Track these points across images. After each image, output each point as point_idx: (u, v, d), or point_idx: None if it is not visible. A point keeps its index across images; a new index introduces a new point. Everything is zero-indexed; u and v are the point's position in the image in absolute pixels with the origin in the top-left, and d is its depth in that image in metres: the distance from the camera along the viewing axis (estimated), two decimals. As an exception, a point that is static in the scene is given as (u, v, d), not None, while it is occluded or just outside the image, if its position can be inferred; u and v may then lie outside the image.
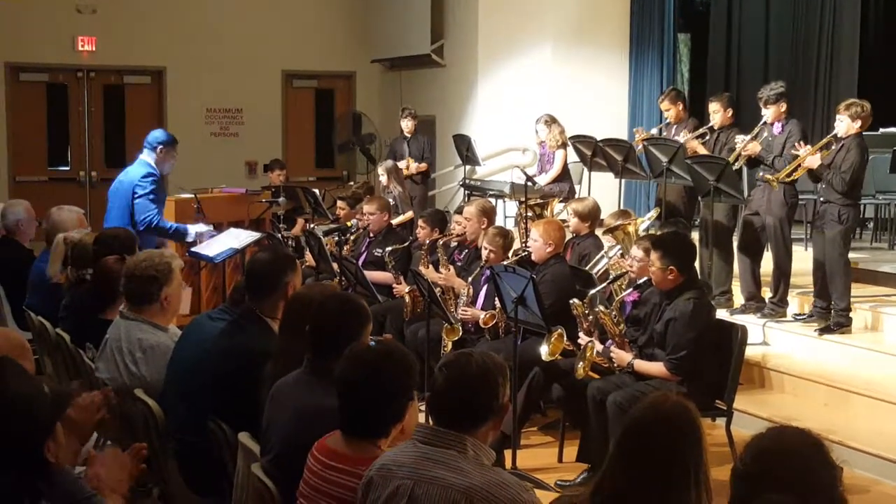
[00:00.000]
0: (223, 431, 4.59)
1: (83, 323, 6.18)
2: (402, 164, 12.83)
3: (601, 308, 6.83)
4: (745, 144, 8.96)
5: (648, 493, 2.99)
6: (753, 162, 9.09)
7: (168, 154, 9.02)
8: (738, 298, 9.57)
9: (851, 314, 8.55)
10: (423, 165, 13.47)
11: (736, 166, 8.99)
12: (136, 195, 8.74)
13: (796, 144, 8.57)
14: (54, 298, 6.93)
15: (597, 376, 6.76)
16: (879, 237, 12.10)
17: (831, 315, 8.59)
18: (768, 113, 8.94)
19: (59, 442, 3.23)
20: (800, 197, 9.29)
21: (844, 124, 8.33)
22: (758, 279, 9.23)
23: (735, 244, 9.56)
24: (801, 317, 8.88)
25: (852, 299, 8.60)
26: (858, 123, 8.35)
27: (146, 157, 8.94)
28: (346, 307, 4.36)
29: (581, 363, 6.71)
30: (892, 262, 10.16)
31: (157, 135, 9.14)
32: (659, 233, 7.84)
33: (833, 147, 8.40)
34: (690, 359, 6.39)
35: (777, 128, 8.95)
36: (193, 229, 9.19)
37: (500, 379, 3.47)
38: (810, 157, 8.37)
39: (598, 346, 6.81)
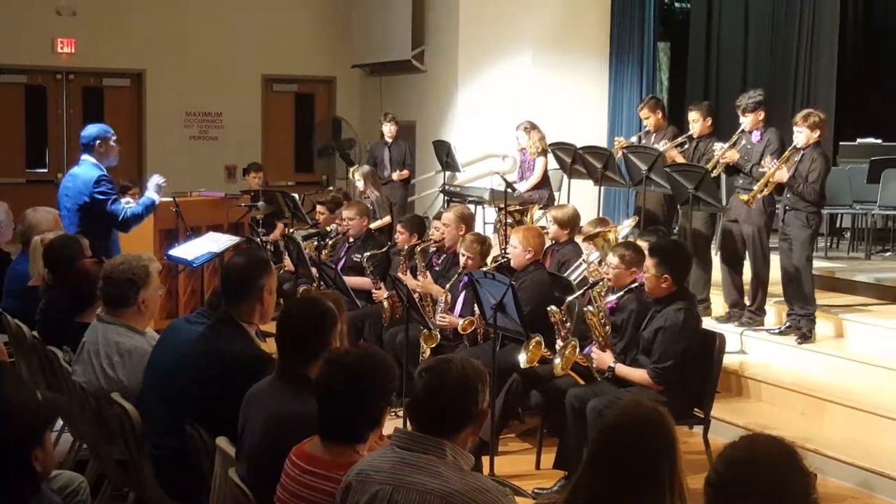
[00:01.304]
0: (200, 436, 4.57)
1: (60, 326, 6.15)
2: (385, 174, 12.86)
3: (589, 308, 6.82)
4: (724, 152, 9.00)
5: (622, 499, 2.99)
6: (732, 170, 9.12)
7: (107, 147, 8.53)
8: (717, 307, 9.61)
9: (827, 323, 8.61)
10: (406, 173, 13.50)
11: (714, 174, 9.02)
12: (102, 202, 8.33)
13: (762, 162, 8.61)
14: (31, 301, 6.89)
15: (575, 375, 6.76)
16: (856, 247, 12.15)
17: (802, 321, 8.64)
18: (746, 121, 8.98)
19: (48, 451, 3.19)
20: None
21: (804, 135, 8.42)
22: (740, 287, 9.25)
23: (714, 252, 9.58)
24: (775, 331, 8.89)
25: (829, 308, 8.66)
26: (817, 133, 8.45)
27: (88, 158, 8.47)
28: (313, 310, 4.38)
29: (559, 360, 6.71)
30: (868, 272, 10.20)
31: (90, 131, 8.57)
32: (640, 241, 7.84)
33: (794, 158, 8.46)
34: (676, 369, 6.39)
35: (755, 136, 8.99)
36: (151, 187, 8.72)
37: (479, 385, 3.47)
38: (779, 172, 8.42)
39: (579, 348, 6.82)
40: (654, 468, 3.02)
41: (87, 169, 8.44)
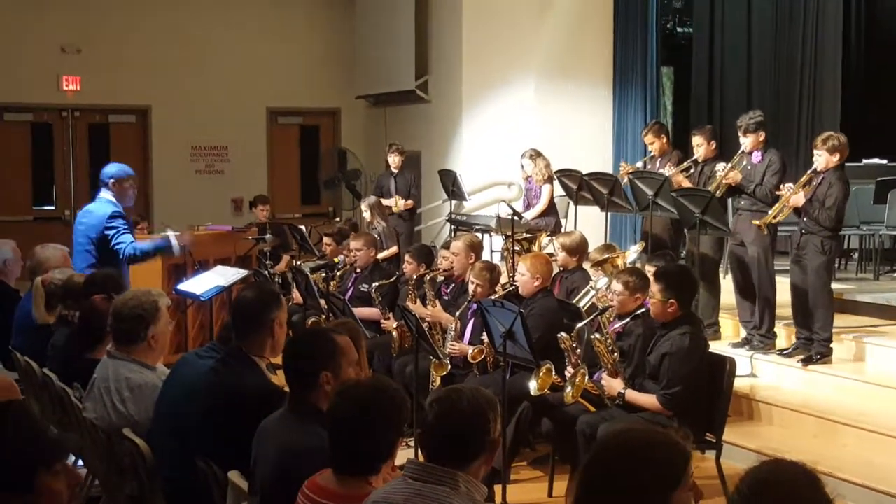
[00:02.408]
0: (212, 470, 4.57)
1: (70, 363, 6.15)
2: (389, 202, 12.86)
3: (596, 336, 6.83)
4: (726, 173, 9.00)
5: None
6: (732, 190, 9.12)
7: (123, 186, 8.67)
8: (727, 330, 9.61)
9: (832, 344, 8.56)
10: (410, 202, 13.50)
11: (717, 195, 9.01)
12: (110, 238, 8.42)
13: (781, 186, 8.58)
14: (40, 339, 6.90)
15: (586, 403, 6.76)
16: (864, 267, 12.14)
17: (813, 345, 8.61)
18: (747, 141, 8.99)
19: (57, 490, 3.07)
20: (782, 228, 9.34)
21: (823, 158, 8.36)
22: (754, 311, 9.22)
23: (722, 276, 9.56)
24: (785, 351, 8.86)
25: (838, 330, 8.63)
26: (837, 157, 8.38)
27: (105, 195, 8.63)
28: (312, 341, 4.41)
29: (570, 388, 6.71)
30: (876, 293, 10.18)
31: (109, 170, 8.75)
32: (648, 266, 7.85)
33: (814, 182, 8.42)
34: (684, 394, 6.39)
35: (756, 156, 9.00)
36: (177, 241, 8.87)
37: (490, 414, 3.46)
38: (794, 197, 8.39)
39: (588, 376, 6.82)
40: (652, 495, 2.99)
41: (101, 205, 8.58)
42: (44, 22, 15.76)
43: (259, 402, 4.53)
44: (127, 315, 5.45)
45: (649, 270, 7.34)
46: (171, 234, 8.95)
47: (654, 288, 6.61)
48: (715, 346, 8.54)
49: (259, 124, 17.43)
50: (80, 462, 5.90)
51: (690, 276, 7.13)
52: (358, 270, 9.90)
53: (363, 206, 11.93)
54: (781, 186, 8.57)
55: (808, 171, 8.45)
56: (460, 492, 3.33)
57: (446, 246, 9.56)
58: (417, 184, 13.84)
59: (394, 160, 13.54)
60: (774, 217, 8.48)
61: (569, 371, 6.90)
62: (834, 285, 8.70)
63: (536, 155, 11.79)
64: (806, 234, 8.49)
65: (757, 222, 8.51)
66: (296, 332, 7.68)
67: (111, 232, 8.39)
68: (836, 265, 11.78)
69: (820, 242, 8.38)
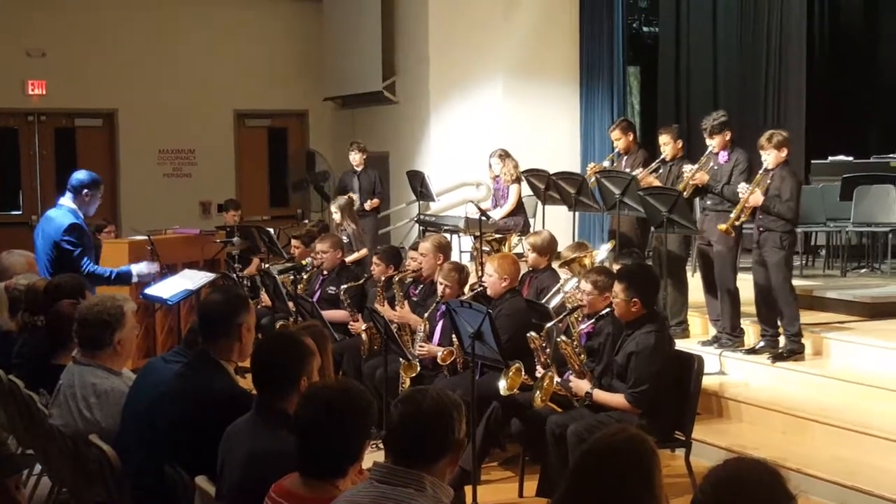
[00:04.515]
0: (180, 475, 4.54)
1: (36, 369, 6.11)
2: (354, 199, 12.83)
3: (563, 338, 6.84)
4: (693, 174, 9.03)
5: None
6: (699, 190, 9.16)
7: (93, 197, 8.43)
8: (695, 328, 9.65)
9: (804, 340, 8.61)
10: (377, 202, 13.47)
11: (685, 195, 9.04)
12: (69, 252, 8.17)
13: (738, 189, 8.61)
14: (5, 345, 6.84)
15: (554, 406, 6.76)
16: (832, 264, 12.20)
17: (780, 341, 8.65)
18: (713, 143, 9.03)
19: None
20: (748, 226, 9.37)
21: (773, 156, 8.42)
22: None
23: (690, 274, 9.59)
24: (751, 350, 8.89)
25: (805, 326, 8.67)
26: (784, 151, 8.46)
27: (67, 202, 8.33)
28: (284, 345, 4.39)
29: (538, 392, 6.71)
30: (843, 289, 10.23)
31: (80, 177, 8.44)
32: (616, 265, 7.87)
33: (767, 180, 8.47)
34: (652, 392, 6.41)
35: (723, 156, 9.03)
36: (136, 270, 8.66)
37: (455, 414, 3.46)
38: (752, 197, 8.43)
39: (557, 377, 6.82)
40: (634, 493, 3.02)
41: (62, 214, 8.32)
42: (8, 26, 15.68)
43: (226, 406, 4.51)
44: (92, 321, 5.42)
45: (616, 269, 7.36)
46: (141, 266, 8.74)
47: (617, 287, 6.63)
48: (684, 344, 8.59)
49: (227, 127, 17.40)
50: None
51: (652, 275, 7.15)
52: (325, 272, 9.88)
53: (333, 208, 11.89)
54: (738, 187, 8.60)
55: (761, 171, 8.50)
56: (426, 493, 3.33)
57: (415, 247, 9.56)
58: (381, 182, 13.80)
59: (355, 158, 13.52)
60: (737, 219, 8.52)
61: (539, 371, 6.90)
62: (801, 282, 8.76)
63: (505, 155, 11.82)
64: (764, 232, 8.54)
65: (722, 227, 8.53)
66: (265, 336, 7.67)
67: (70, 248, 8.18)
68: (804, 262, 11.91)
69: (778, 238, 8.44)
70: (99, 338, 5.40)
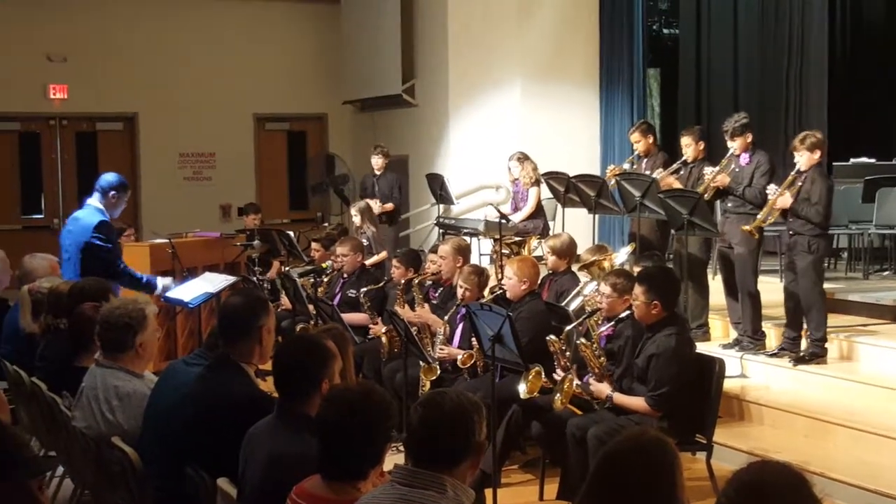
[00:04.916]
0: (202, 477, 4.55)
1: (59, 371, 6.13)
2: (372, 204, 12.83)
3: (582, 341, 6.83)
4: (714, 176, 8.98)
5: None
6: (721, 193, 9.11)
7: (120, 199, 8.63)
8: (716, 331, 9.61)
9: (827, 344, 8.56)
10: (389, 206, 13.41)
11: (705, 198, 9.00)
12: (101, 248, 8.36)
13: (766, 190, 8.57)
14: (29, 347, 6.88)
15: (574, 408, 6.75)
16: (854, 267, 12.14)
17: (802, 345, 8.61)
18: (735, 145, 8.97)
19: None
20: (769, 229, 9.33)
21: (805, 157, 8.35)
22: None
23: (711, 277, 9.54)
24: (772, 354, 8.85)
25: (828, 329, 8.61)
26: (817, 154, 8.38)
27: (96, 202, 8.51)
28: (305, 348, 4.40)
29: (558, 395, 6.71)
30: (866, 292, 10.18)
31: (109, 178, 8.64)
32: (636, 268, 7.85)
33: (798, 182, 8.41)
34: (672, 395, 6.39)
35: (744, 158, 8.98)
36: (162, 283, 8.86)
37: (475, 416, 3.46)
38: (781, 199, 8.37)
39: (577, 380, 6.81)
40: (656, 495, 3.01)
41: (89, 213, 8.48)
42: (30, 31, 15.73)
43: (247, 409, 4.52)
44: (114, 323, 5.43)
45: (637, 272, 7.34)
46: (164, 281, 8.92)
47: (637, 290, 6.61)
48: (705, 347, 8.56)
49: (246, 130, 17.41)
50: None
51: (672, 277, 7.13)
52: (345, 276, 9.89)
53: (353, 211, 11.89)
54: (767, 189, 8.55)
55: (793, 173, 8.43)
56: (447, 496, 3.33)
57: (434, 250, 9.56)
58: (400, 187, 13.78)
59: (376, 162, 13.50)
60: (764, 220, 8.47)
61: (558, 374, 6.90)
62: (824, 285, 8.68)
63: (524, 158, 11.79)
64: (794, 236, 8.48)
65: (746, 227, 8.48)
66: (286, 339, 7.68)
67: (102, 245, 8.31)
68: (826, 265, 11.81)
69: (807, 243, 8.36)
70: (121, 340, 5.41)
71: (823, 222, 8.37)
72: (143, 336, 5.47)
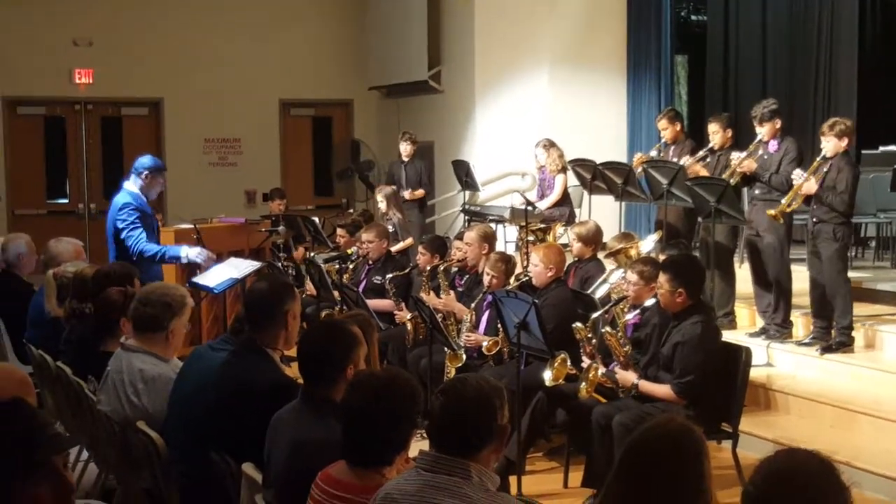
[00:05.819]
0: (226, 462, 4.55)
1: (84, 356, 6.14)
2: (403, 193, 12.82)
3: (608, 329, 6.81)
4: (741, 162, 8.92)
5: None
6: (747, 179, 9.06)
7: (154, 180, 8.77)
8: (742, 320, 9.56)
9: (854, 333, 8.50)
10: (420, 192, 13.41)
11: (731, 183, 8.93)
12: (119, 230, 8.49)
13: (792, 175, 8.51)
14: (54, 332, 6.90)
15: (599, 397, 6.73)
16: (882, 256, 12.06)
17: (832, 334, 8.55)
18: (763, 130, 8.91)
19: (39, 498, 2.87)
20: (798, 217, 9.27)
21: (832, 144, 8.28)
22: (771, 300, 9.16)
23: (737, 265, 9.48)
24: (802, 343, 8.80)
25: (855, 318, 8.56)
26: (845, 141, 8.31)
27: (131, 185, 8.67)
28: (331, 334, 4.39)
29: (584, 384, 6.69)
30: (894, 281, 10.11)
31: (144, 161, 8.82)
32: (663, 255, 7.81)
33: (823, 169, 8.34)
34: (698, 383, 6.36)
35: (773, 145, 8.92)
36: (185, 252, 8.87)
37: (496, 401, 3.45)
38: (806, 184, 8.31)
39: (602, 368, 6.79)
40: (683, 483, 2.98)
41: (121, 195, 8.67)
42: (55, 15, 15.77)
43: (272, 394, 4.52)
44: (155, 301, 5.44)
45: (661, 260, 7.31)
46: (197, 252, 8.95)
47: (662, 278, 6.57)
48: (731, 336, 8.52)
49: (272, 116, 17.42)
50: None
51: (697, 265, 7.10)
52: (370, 262, 9.87)
53: (379, 197, 11.88)
54: (792, 174, 8.49)
55: (818, 159, 8.37)
56: (472, 481, 3.32)
57: (460, 237, 9.54)
58: (428, 173, 13.77)
59: (405, 149, 13.47)
60: (788, 206, 8.41)
61: (584, 361, 6.87)
62: (851, 274, 8.62)
63: (550, 145, 11.76)
64: (818, 224, 8.42)
65: (771, 212, 8.43)
66: (311, 325, 7.67)
67: (121, 224, 8.42)
68: (853, 253, 11.74)
69: (832, 230, 8.31)
70: (157, 319, 5.41)
71: (848, 210, 8.33)
72: (178, 322, 5.49)
